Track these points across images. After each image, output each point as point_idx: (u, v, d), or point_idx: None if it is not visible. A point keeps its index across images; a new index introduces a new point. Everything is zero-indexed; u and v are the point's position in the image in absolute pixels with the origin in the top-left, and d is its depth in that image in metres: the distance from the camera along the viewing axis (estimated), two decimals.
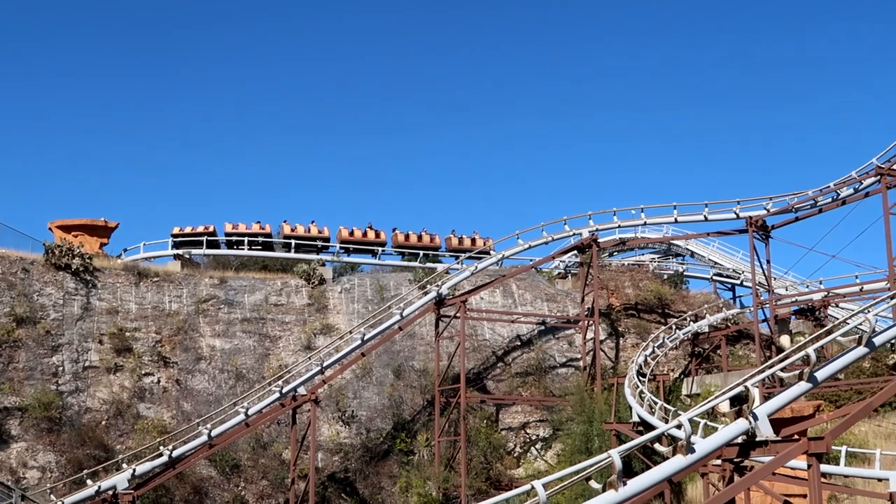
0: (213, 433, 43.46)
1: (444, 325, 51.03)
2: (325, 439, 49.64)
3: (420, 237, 62.70)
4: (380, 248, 62.62)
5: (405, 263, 61.53)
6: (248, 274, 57.20)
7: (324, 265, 58.39)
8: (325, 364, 47.06)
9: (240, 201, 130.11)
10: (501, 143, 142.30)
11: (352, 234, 61.80)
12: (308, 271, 56.37)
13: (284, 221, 61.82)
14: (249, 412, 44.59)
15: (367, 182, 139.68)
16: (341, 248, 61.92)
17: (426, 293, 50.90)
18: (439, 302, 50.45)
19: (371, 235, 62.19)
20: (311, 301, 55.28)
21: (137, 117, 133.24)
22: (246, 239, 61.00)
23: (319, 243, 61.62)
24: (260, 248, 61.24)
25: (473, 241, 62.93)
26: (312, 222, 62.05)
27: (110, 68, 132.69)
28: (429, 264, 60.65)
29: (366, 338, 48.10)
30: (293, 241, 61.03)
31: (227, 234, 61.34)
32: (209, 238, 60.54)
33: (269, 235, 61.77)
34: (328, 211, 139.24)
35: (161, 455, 42.06)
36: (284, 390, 45.40)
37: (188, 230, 60.61)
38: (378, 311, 50.91)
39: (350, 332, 49.88)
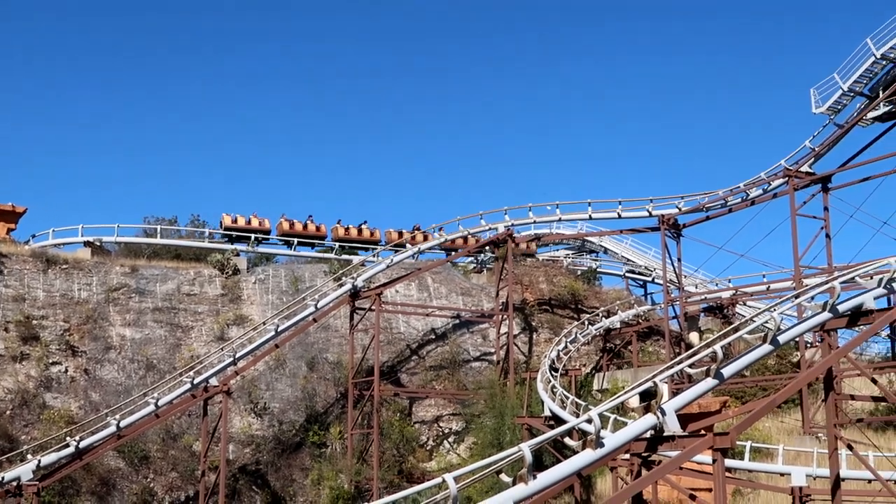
0: (122, 424, 42.84)
1: (358, 318, 50.94)
2: (236, 431, 49.22)
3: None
4: (319, 241, 61.93)
5: (321, 255, 61.19)
6: (161, 263, 56.38)
7: (238, 255, 57.79)
8: (237, 355, 46.65)
9: (162, 190, 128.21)
10: (413, 134, 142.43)
11: (292, 226, 60.77)
12: (222, 261, 55.78)
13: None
14: (160, 403, 44.04)
15: (273, 171, 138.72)
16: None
17: (341, 285, 50.76)
18: (354, 294, 50.34)
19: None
20: (224, 291, 54.74)
21: (47, 98, 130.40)
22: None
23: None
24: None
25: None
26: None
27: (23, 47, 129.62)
28: (344, 256, 60.42)
29: (280, 329, 47.80)
30: (233, 234, 59.80)
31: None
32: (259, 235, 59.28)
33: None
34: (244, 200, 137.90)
35: (68, 446, 41.35)
36: (196, 381, 44.93)
37: (241, 222, 59.46)
38: (293, 303, 50.63)
39: (264, 324, 49.52)
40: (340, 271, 54.42)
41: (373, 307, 49.95)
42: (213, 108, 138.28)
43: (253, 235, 59.56)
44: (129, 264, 54.36)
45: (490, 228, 56.25)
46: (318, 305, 49.04)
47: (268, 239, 60.82)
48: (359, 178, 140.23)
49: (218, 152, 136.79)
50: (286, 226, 60.44)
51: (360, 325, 51.28)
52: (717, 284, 59.13)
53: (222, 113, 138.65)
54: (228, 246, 58.88)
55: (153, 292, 53.18)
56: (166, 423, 47.44)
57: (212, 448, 46.31)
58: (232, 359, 46.38)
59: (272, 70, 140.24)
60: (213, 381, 45.35)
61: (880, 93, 45.54)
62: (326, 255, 60.84)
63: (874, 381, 28.01)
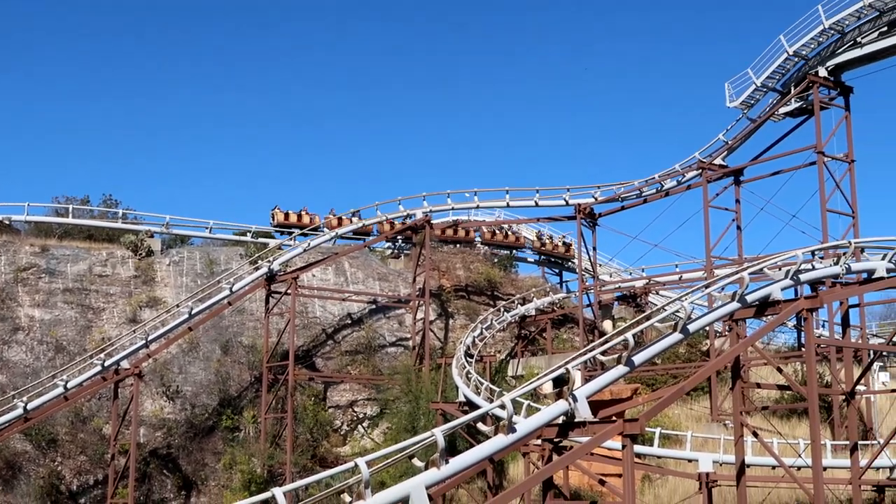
0: (30, 406, 42.06)
1: (274, 302, 50.62)
2: (147, 414, 48.59)
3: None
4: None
5: (237, 238, 60.60)
6: (72, 243, 55.31)
7: (152, 236, 56.93)
8: (150, 338, 46.09)
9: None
10: (329, 117, 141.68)
11: (340, 222, 58.64)
12: (135, 242, 54.91)
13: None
14: (69, 385, 43.33)
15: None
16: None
17: (257, 269, 50.36)
18: (270, 278, 49.99)
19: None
20: (137, 273, 53.93)
21: None
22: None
23: (309, 231, 58.33)
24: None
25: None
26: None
27: None
28: (261, 240, 59.92)
29: (194, 312, 47.31)
30: (284, 229, 58.63)
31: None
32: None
33: None
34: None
35: None
36: (107, 363, 44.31)
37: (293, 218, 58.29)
38: (207, 286, 50.12)
39: (177, 306, 48.95)
40: (257, 255, 53.96)
41: (289, 291, 49.66)
42: (127, 88, 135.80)
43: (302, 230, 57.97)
44: (40, 244, 53.24)
45: (408, 214, 56.26)
46: (234, 289, 48.61)
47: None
48: (269, 162, 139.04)
49: (133, 132, 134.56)
50: (335, 222, 58.10)
51: (276, 308, 50.96)
52: (631, 273, 59.99)
53: (137, 93, 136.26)
54: (142, 227, 57.95)
55: (64, 273, 52.17)
56: (76, 406, 46.64)
57: (122, 431, 45.68)
58: (144, 341, 45.80)
59: (173, 51, 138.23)
60: (125, 364, 44.74)
61: (792, 89, 46.53)
62: (242, 239, 60.26)
63: (780, 370, 28.71)
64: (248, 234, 60.80)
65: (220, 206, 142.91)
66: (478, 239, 63.17)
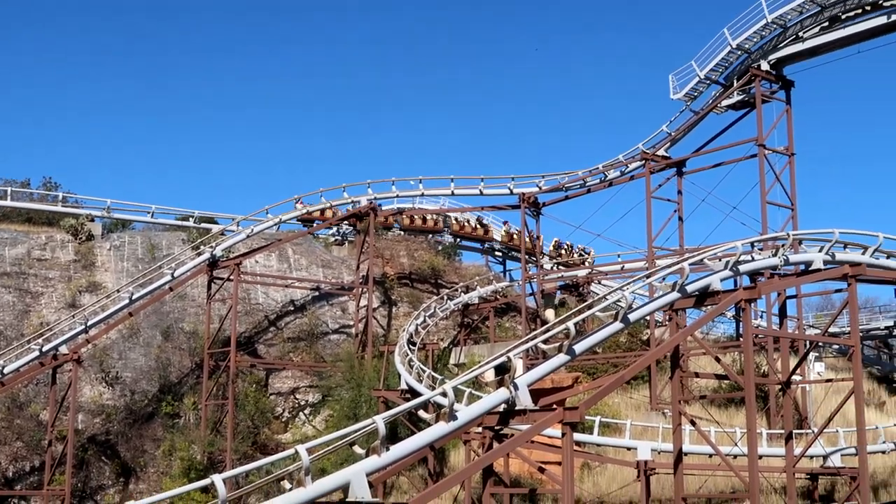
0: None
1: (216, 288, 50.26)
2: (86, 400, 48.04)
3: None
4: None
5: (180, 223, 60.00)
6: (10, 226, 54.41)
7: (93, 220, 56.18)
8: (89, 323, 45.54)
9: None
10: (272, 104, 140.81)
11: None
12: (76, 226, 54.17)
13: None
14: (5, 370, 42.75)
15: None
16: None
17: (200, 254, 49.96)
18: (213, 263, 49.60)
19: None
20: (77, 257, 53.22)
21: None
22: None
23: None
24: None
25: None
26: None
27: None
28: (204, 225, 59.40)
29: (134, 297, 46.84)
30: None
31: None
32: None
33: None
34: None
35: None
36: (45, 349, 43.71)
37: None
38: (149, 271, 49.59)
39: (118, 291, 48.43)
40: (199, 240, 53.47)
41: (231, 277, 49.33)
42: (69, 71, 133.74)
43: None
44: None
45: (353, 201, 56.08)
46: (175, 274, 48.20)
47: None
48: (212, 148, 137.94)
49: (74, 115, 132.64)
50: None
51: (218, 294, 50.60)
52: (573, 263, 60.28)
53: (79, 77, 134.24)
54: (82, 211, 57.17)
55: (1, 256, 51.35)
56: (12, 392, 45.97)
57: (60, 417, 45.13)
58: (83, 326, 45.26)
59: (113, 34, 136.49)
60: (63, 349, 44.16)
61: (734, 82, 47.07)
62: (185, 224, 59.69)
63: (718, 360, 29.12)
64: (190, 218, 60.21)
65: (163, 191, 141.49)
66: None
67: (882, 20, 42.82)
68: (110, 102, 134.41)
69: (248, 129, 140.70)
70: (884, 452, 41.01)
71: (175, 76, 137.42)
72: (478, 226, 64.44)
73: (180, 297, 52.75)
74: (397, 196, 57.26)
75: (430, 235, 63.27)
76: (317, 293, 56.10)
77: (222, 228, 55.29)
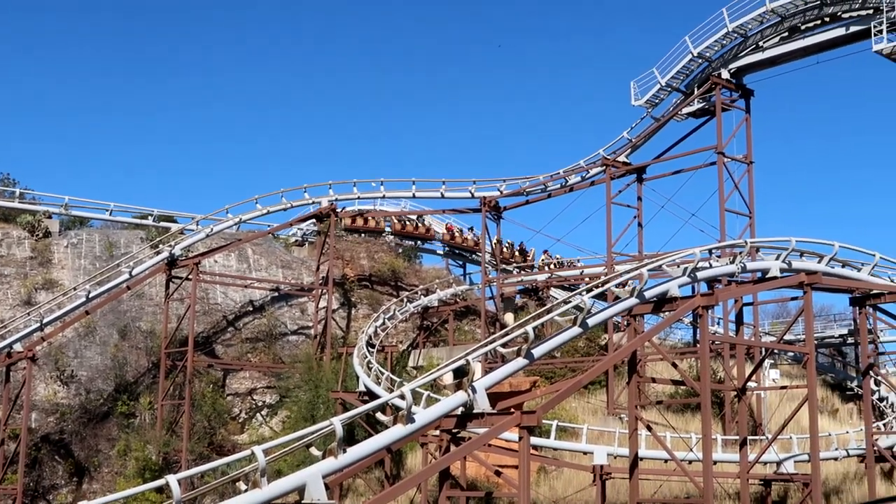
0: None
1: (175, 287, 49.92)
2: (40, 399, 47.50)
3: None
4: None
5: (139, 221, 59.53)
6: None
7: (50, 217, 55.59)
8: (45, 321, 45.09)
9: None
10: (234, 103, 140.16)
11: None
12: (32, 223, 53.58)
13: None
14: None
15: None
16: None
17: (158, 253, 49.64)
18: (171, 263, 49.30)
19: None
20: (34, 254, 52.64)
21: None
22: None
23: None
24: None
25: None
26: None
27: None
28: (162, 223, 58.98)
29: (91, 295, 46.45)
30: None
31: None
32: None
33: None
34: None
35: None
36: None
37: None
38: (106, 269, 49.17)
39: (75, 289, 47.97)
40: (158, 238, 53.11)
41: (190, 276, 49.03)
42: (26, 67, 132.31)
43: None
44: None
45: (313, 202, 55.94)
46: (133, 273, 47.86)
47: None
48: (171, 149, 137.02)
49: (33, 112, 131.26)
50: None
51: (176, 294, 50.27)
52: (533, 267, 60.43)
53: (38, 73, 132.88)
54: (40, 207, 56.56)
55: None
56: None
57: (13, 416, 44.62)
58: (39, 324, 44.81)
59: (77, 33, 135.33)
60: (18, 347, 43.70)
61: (695, 90, 47.43)
62: (144, 222, 59.22)
63: (675, 366, 29.34)
64: (149, 217, 59.73)
65: (122, 189, 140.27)
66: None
67: (840, 31, 43.35)
68: (70, 99, 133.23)
69: (209, 128, 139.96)
70: (836, 459, 41.46)
71: (136, 73, 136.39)
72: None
73: (138, 295, 52.34)
74: (358, 197, 57.23)
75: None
76: (276, 294, 55.88)
77: (181, 227, 54.94)
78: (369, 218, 61.34)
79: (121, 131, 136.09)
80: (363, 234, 62.10)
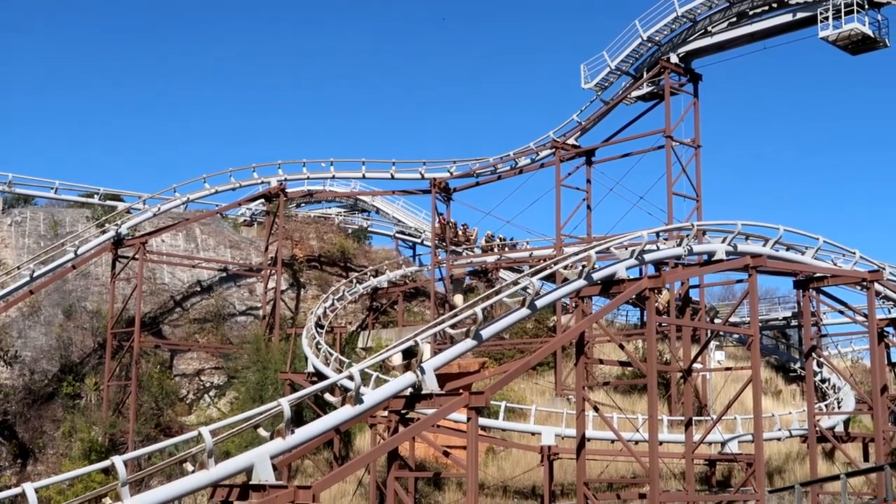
0: None
1: (121, 266, 49.42)
2: None
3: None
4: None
5: (85, 199, 58.80)
6: None
7: None
8: None
9: None
10: (182, 81, 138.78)
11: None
12: None
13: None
14: None
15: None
16: None
17: (104, 232, 49.11)
18: (118, 242, 48.79)
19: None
20: None
21: None
22: None
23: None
24: None
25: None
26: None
27: None
28: (109, 202, 58.33)
29: (35, 275, 45.84)
30: None
31: None
32: None
33: None
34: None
35: None
36: None
37: None
38: (51, 248, 48.55)
39: (18, 268, 47.31)
40: (104, 217, 52.52)
41: (136, 256, 48.57)
42: None
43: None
44: None
45: (262, 182, 55.61)
46: (79, 252, 47.32)
47: None
48: (118, 127, 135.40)
49: None
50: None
51: (123, 273, 49.77)
52: (483, 249, 60.52)
53: None
54: None
55: None
56: None
57: None
58: None
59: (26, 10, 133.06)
60: None
61: (644, 73, 47.75)
62: (90, 201, 58.51)
63: (622, 347, 29.62)
64: (95, 195, 59.02)
65: (67, 167, 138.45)
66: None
67: (787, 18, 43.86)
68: (13, 75, 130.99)
69: (156, 106, 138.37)
70: (779, 439, 42.17)
71: (81, 50, 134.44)
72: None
73: (83, 275, 51.76)
74: (308, 178, 56.94)
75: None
76: (224, 274, 55.53)
77: (128, 206, 54.37)
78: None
79: (66, 108, 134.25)
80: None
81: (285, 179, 55.13)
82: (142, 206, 52.99)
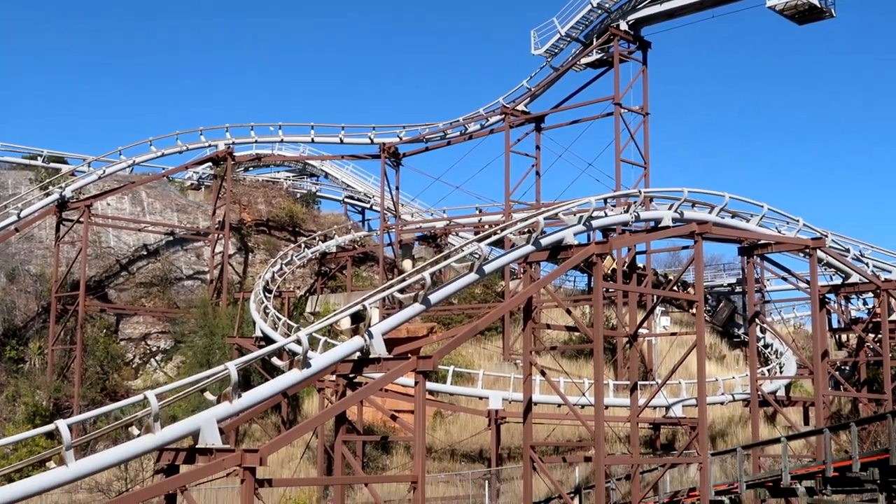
0: None
1: (65, 230, 48.78)
2: None
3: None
4: None
5: (27, 161, 57.91)
6: None
7: None
8: None
9: None
10: (129, 44, 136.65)
11: None
12: None
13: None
14: None
15: None
16: None
17: (48, 195, 48.41)
18: (62, 205, 48.13)
19: None
20: None
21: None
22: None
23: None
24: None
25: None
26: None
27: None
28: (53, 165, 57.47)
29: None
30: None
31: None
32: None
33: None
34: None
35: None
36: None
37: None
38: None
39: None
40: (48, 180, 51.76)
41: (81, 219, 47.97)
42: None
43: None
44: None
45: (210, 145, 55.04)
46: (22, 215, 46.62)
47: None
48: (62, 87, 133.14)
49: None
50: None
51: (67, 237, 49.14)
52: (432, 214, 60.62)
53: None
54: None
55: None
56: None
57: None
58: None
59: None
60: None
61: (594, 40, 47.79)
62: (33, 163, 57.62)
63: (569, 312, 29.83)
64: (38, 158, 58.13)
65: (8, 129, 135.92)
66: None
67: None
68: None
69: (101, 67, 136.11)
70: (722, 403, 42.85)
71: (23, 7, 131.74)
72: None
73: (27, 238, 51.06)
74: (256, 141, 56.51)
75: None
76: (171, 238, 55.05)
77: (72, 169, 53.62)
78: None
79: (6, 67, 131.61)
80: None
81: (233, 143, 54.64)
82: (86, 168, 52.29)
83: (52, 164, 57.48)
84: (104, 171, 50.97)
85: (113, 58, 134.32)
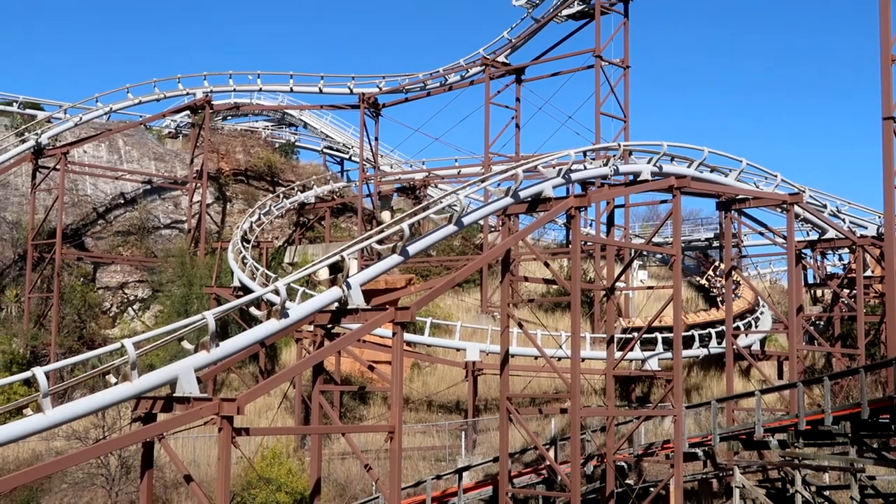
0: None
1: (42, 177, 48.40)
2: None
3: None
4: None
5: (2, 108, 57.26)
6: None
7: None
8: None
9: None
10: None
11: None
12: None
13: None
14: None
15: None
16: None
17: (24, 141, 47.95)
18: (38, 152, 47.71)
19: None
20: None
21: None
22: None
23: None
24: None
25: None
26: None
27: None
28: (29, 111, 56.87)
29: None
30: None
31: None
32: None
33: None
34: None
35: None
36: None
37: None
38: None
39: None
40: (23, 126, 51.23)
41: (57, 167, 47.58)
42: None
43: None
44: None
45: (188, 93, 54.55)
46: None
47: None
48: (37, 32, 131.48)
49: None
50: None
51: (44, 184, 48.76)
52: (411, 166, 60.50)
53: None
54: None
55: None
56: None
57: None
58: None
59: None
60: None
61: None
62: (8, 109, 57.00)
63: (547, 265, 29.91)
64: (14, 104, 57.49)
65: None
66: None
67: None
68: None
69: (78, 12, 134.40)
70: (698, 357, 43.19)
71: None
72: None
73: (3, 185, 50.64)
74: (234, 90, 56.11)
75: None
76: (148, 187, 54.71)
77: (48, 115, 53.07)
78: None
79: None
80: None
81: (211, 91, 54.17)
82: (63, 115, 51.78)
83: (28, 111, 56.87)
84: (81, 119, 50.49)
85: (89, 3, 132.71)
